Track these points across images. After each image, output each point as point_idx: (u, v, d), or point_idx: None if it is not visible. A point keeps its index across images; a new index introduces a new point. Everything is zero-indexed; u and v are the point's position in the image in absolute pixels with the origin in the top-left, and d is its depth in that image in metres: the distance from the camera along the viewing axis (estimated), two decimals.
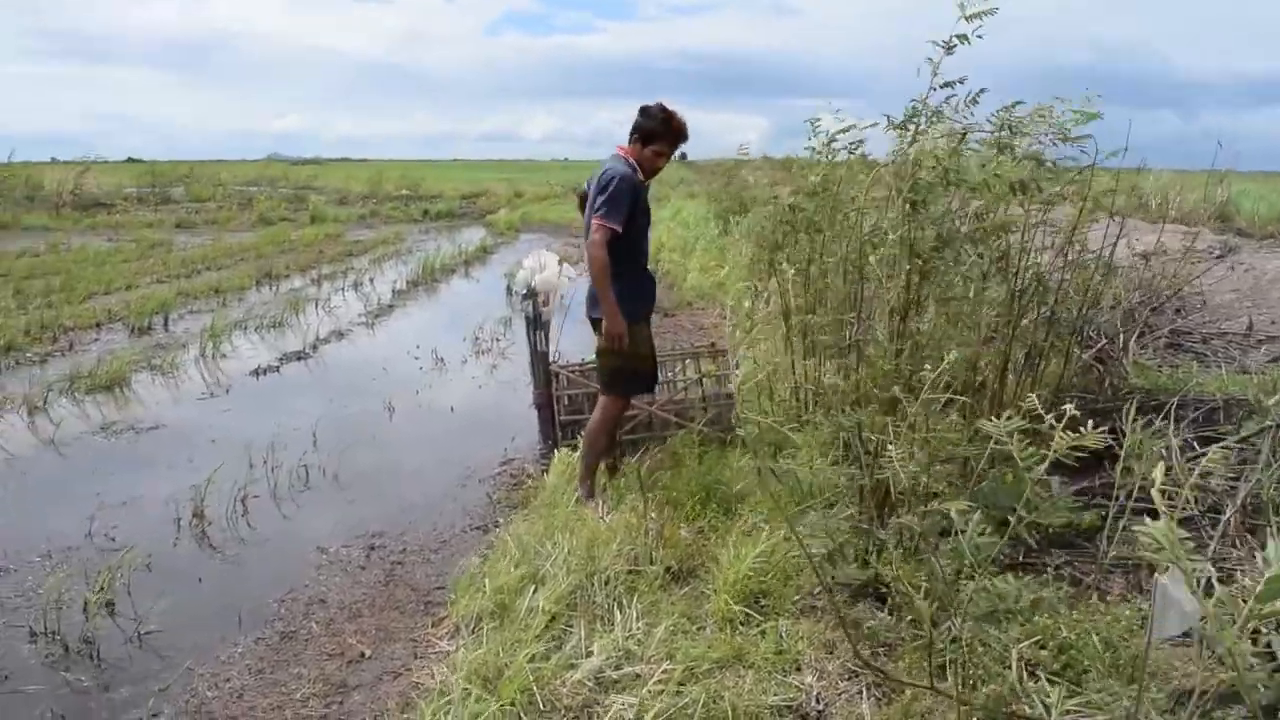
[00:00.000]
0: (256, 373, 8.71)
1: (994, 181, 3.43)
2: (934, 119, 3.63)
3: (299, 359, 9.34)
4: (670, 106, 4.72)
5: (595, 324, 4.83)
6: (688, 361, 5.94)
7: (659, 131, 4.68)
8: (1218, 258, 8.15)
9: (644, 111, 4.72)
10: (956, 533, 3.20)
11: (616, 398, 4.88)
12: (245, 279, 14.45)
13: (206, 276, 14.78)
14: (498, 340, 10.19)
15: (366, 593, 4.42)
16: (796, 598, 3.74)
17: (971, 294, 3.72)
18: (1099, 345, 5.25)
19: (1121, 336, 5.35)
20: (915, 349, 3.55)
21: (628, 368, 4.80)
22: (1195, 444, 4.35)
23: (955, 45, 3.49)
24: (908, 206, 3.41)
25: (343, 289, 13.97)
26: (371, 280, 14.75)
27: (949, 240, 3.47)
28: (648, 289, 4.94)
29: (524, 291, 5.59)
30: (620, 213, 4.50)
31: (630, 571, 3.97)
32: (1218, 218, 15.20)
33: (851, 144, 5.15)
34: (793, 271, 6.33)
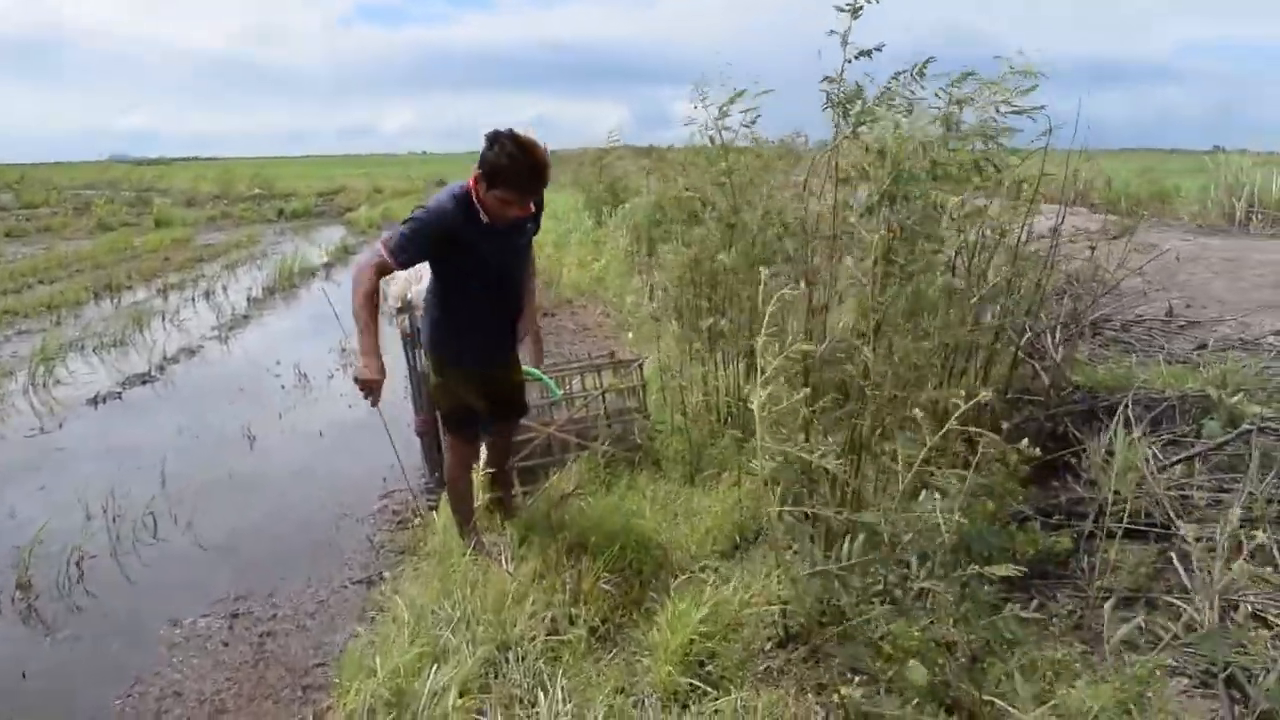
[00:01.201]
0: (95, 401, 7.75)
1: (953, 164, 2.95)
2: (884, 98, 3.13)
3: (144, 382, 8.39)
4: (526, 136, 3.54)
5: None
6: (587, 375, 5.35)
7: (503, 171, 3.53)
8: (1114, 239, 7.92)
9: (490, 140, 3.54)
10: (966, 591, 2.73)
11: (454, 438, 4.22)
12: (82, 292, 13.20)
13: (39, 291, 13.47)
14: None
15: (231, 677, 3.71)
16: (748, 657, 3.22)
17: (941, 299, 3.23)
18: (1025, 339, 4.87)
19: (1050, 329, 4.99)
20: (900, 369, 3.04)
21: (458, 407, 4.13)
22: (1157, 450, 3.99)
23: (861, 8, 3.02)
24: (885, 200, 2.88)
25: (192, 299, 12.89)
26: (224, 288, 13.68)
27: (929, 238, 2.97)
28: (483, 340, 4.07)
29: (399, 306, 4.91)
30: (409, 253, 3.66)
31: (549, 635, 3.38)
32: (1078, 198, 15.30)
33: (747, 116, 4.66)
34: (676, 265, 5.85)
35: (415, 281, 4.90)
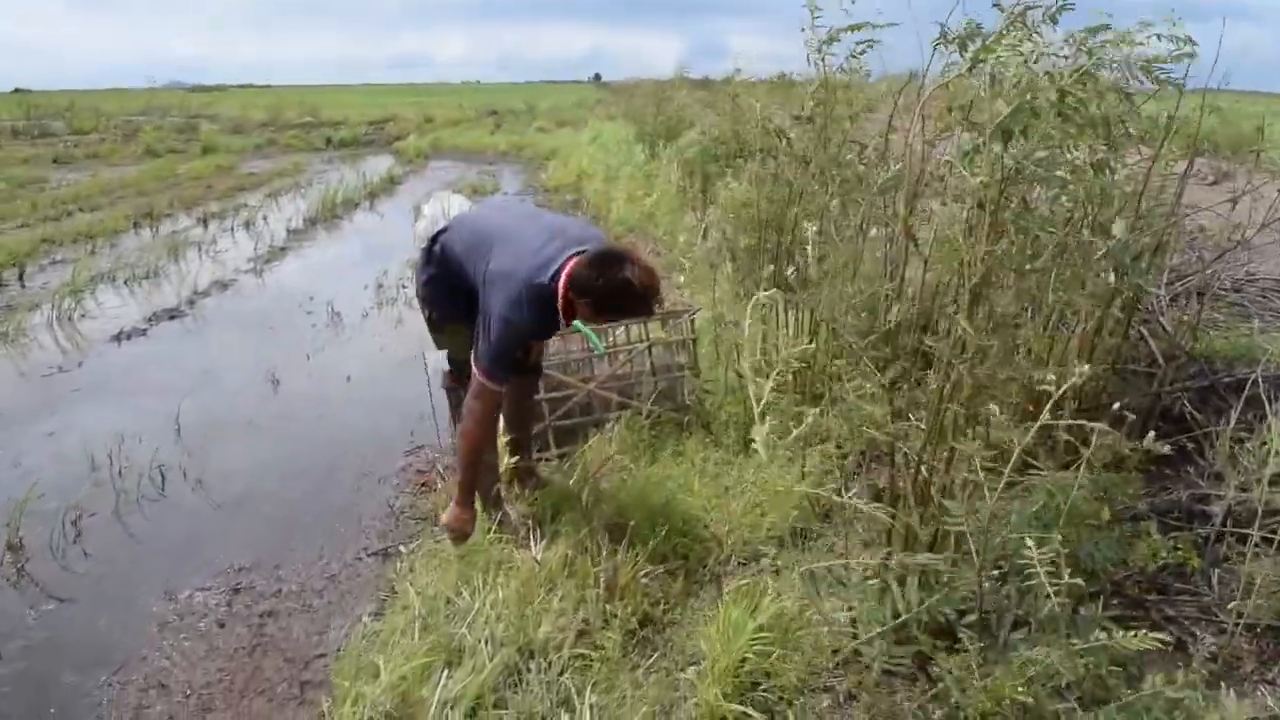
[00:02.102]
0: (119, 337, 7.39)
1: (1087, 101, 2.36)
2: (1005, 35, 2.55)
3: (171, 317, 8.01)
4: (644, 264, 3.18)
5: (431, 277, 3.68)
6: (632, 326, 4.85)
7: (609, 304, 3.18)
8: (1212, 184, 7.13)
9: (603, 264, 3.14)
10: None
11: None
12: (121, 220, 12.87)
13: (79, 219, 13.15)
14: (404, 287, 8.91)
15: (224, 667, 3.29)
16: (809, 675, 2.74)
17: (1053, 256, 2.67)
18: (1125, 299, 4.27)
19: (1159, 290, 4.37)
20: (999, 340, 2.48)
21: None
22: None
23: None
24: (999, 137, 2.31)
25: (231, 229, 12.49)
26: (265, 218, 13.26)
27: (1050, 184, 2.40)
28: None
29: (424, 247, 4.42)
30: (508, 369, 3.29)
31: (580, 635, 2.93)
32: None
33: (859, 47, 4.06)
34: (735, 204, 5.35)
35: (442, 217, 4.41)
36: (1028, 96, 2.29)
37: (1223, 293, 5.10)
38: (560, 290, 3.19)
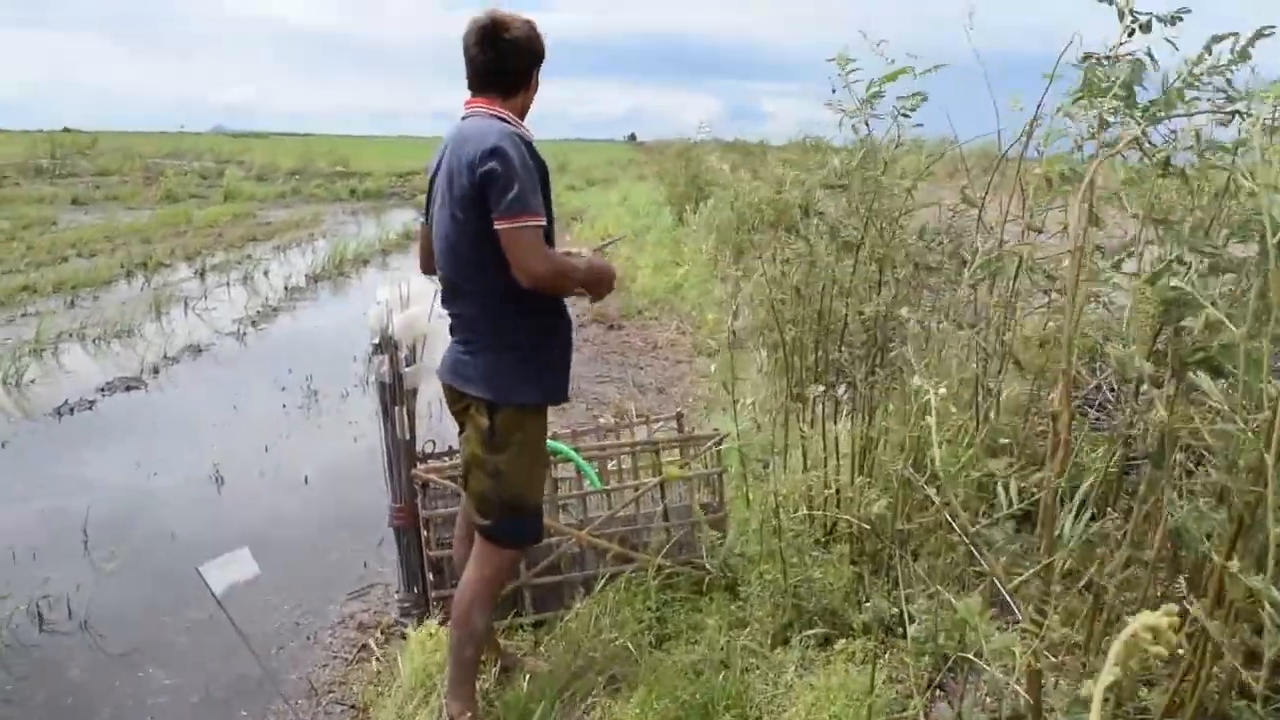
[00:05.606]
0: (60, 411, 6.42)
1: None
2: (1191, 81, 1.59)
3: (128, 388, 7.03)
4: (498, 17, 2.64)
5: (462, 407, 2.71)
6: (639, 453, 3.80)
7: (540, 56, 2.73)
8: None
9: (501, 26, 2.60)
10: None
11: (504, 548, 2.74)
12: (114, 269, 12.07)
13: (73, 265, 12.38)
14: None
15: None
16: None
17: None
18: None
19: None
20: None
21: (518, 496, 2.67)
22: None
23: None
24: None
25: (228, 283, 11.63)
26: (266, 273, 12.39)
27: None
28: (569, 345, 2.89)
29: (376, 341, 3.41)
30: (538, 198, 2.52)
31: None
32: None
33: (904, 104, 3.15)
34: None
35: (401, 305, 3.42)
36: None
37: None
38: (498, 111, 2.64)
